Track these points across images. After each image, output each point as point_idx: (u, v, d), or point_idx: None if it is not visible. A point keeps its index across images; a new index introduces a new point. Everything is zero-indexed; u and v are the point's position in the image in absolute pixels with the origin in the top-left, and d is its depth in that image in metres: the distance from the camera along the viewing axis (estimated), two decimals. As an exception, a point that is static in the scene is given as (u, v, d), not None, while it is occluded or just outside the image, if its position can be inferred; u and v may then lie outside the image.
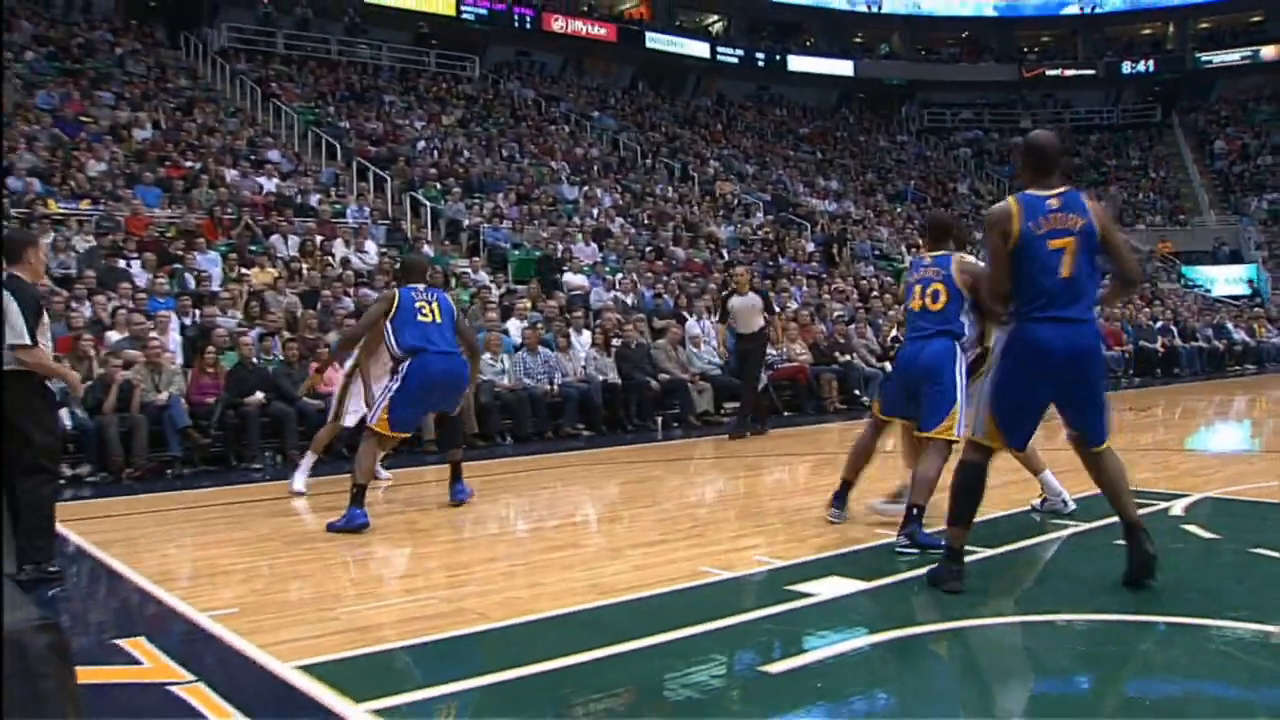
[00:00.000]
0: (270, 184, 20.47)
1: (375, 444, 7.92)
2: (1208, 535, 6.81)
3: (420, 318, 7.95)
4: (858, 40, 47.73)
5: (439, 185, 23.29)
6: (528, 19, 38.91)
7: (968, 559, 5.60)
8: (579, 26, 40.23)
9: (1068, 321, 5.16)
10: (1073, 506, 7.23)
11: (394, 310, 8.01)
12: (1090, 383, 5.35)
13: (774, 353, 16.47)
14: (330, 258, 17.35)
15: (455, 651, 4.59)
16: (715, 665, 4.46)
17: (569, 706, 4.00)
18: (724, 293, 14.87)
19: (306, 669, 4.23)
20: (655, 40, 42.09)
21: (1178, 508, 7.61)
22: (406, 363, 7.83)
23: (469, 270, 18.87)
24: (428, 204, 21.95)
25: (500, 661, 4.30)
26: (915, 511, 6.21)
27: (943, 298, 6.66)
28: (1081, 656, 4.54)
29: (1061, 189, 5.28)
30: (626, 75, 42.63)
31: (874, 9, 46.81)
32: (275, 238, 17.54)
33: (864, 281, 24.07)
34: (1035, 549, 6.37)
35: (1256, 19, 46.54)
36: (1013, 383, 5.34)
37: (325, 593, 5.67)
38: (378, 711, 3.77)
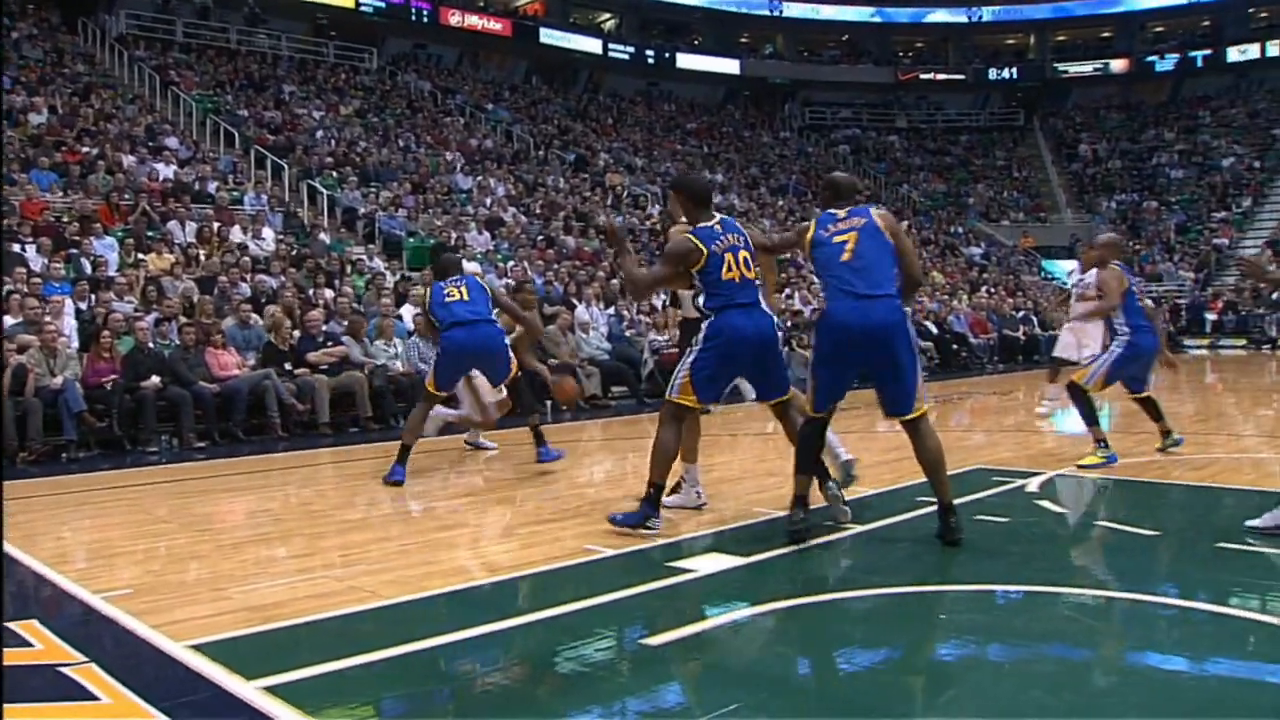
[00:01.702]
0: (168, 170, 19.96)
1: (425, 405, 9.10)
2: (1058, 509, 7.06)
3: (447, 299, 8.95)
4: (744, 40, 48.02)
5: (336, 174, 22.97)
6: (425, 13, 38.44)
7: (842, 534, 5.73)
8: (475, 21, 39.86)
9: (862, 297, 5.81)
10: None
11: (429, 302, 9.21)
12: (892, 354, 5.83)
13: (661, 339, 16.58)
14: (228, 244, 17.01)
15: (346, 629, 4.54)
16: (599, 639, 4.48)
17: (456, 680, 4.00)
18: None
19: (199, 648, 4.15)
20: (549, 36, 41.90)
21: (1033, 484, 7.88)
22: (441, 335, 8.95)
23: (364, 257, 18.66)
24: (325, 192, 21.63)
25: (390, 638, 4.27)
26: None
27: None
28: (943, 624, 4.66)
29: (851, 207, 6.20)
30: (521, 69, 42.43)
31: (775, 13, 47.16)
32: (173, 224, 17.12)
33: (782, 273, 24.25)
34: (904, 525, 6.49)
35: (1107, 34, 48.06)
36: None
37: (220, 573, 5.57)
38: (269, 688, 3.72)
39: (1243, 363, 25.29)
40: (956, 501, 5.94)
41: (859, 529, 6.32)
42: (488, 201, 24.95)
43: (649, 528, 6.12)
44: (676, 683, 4.04)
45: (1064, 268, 34.06)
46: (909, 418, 5.91)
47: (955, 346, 22.98)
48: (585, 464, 10.21)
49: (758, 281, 6.38)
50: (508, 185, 27.01)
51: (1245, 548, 5.74)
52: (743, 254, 6.32)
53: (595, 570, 5.54)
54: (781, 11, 47.04)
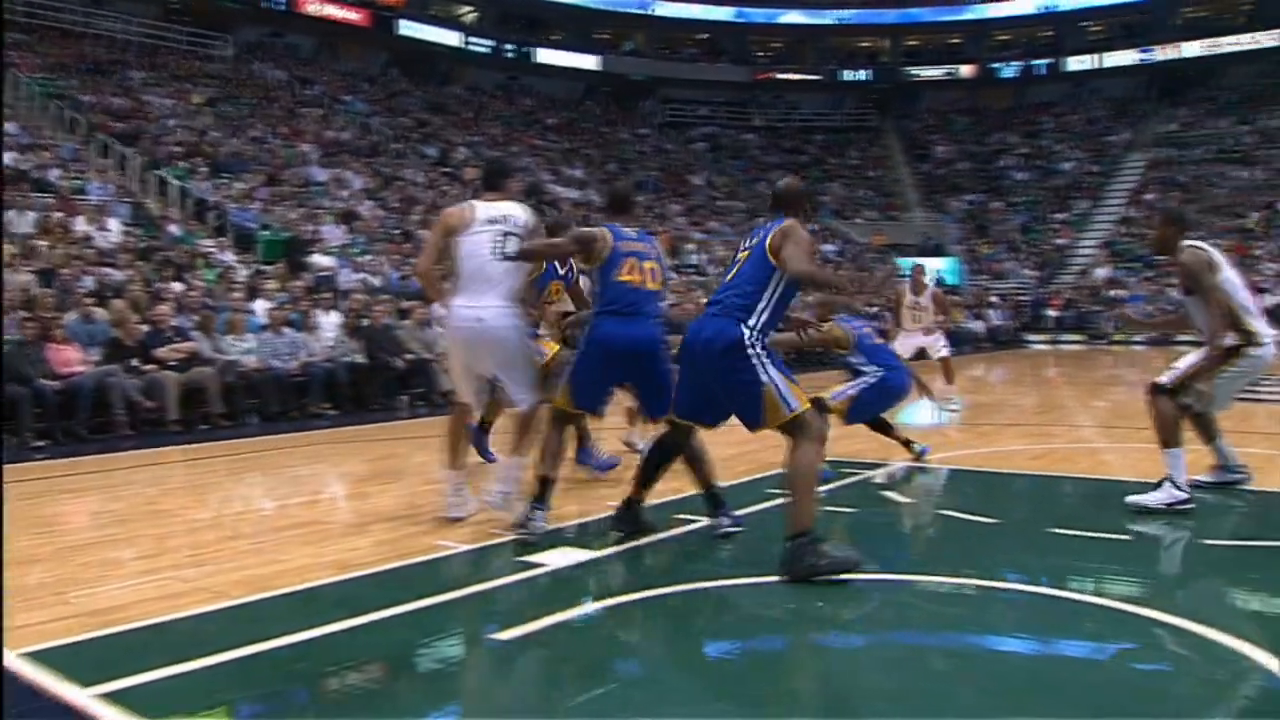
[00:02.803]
0: (6, 157, 19.18)
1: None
2: (904, 500, 7.25)
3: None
4: (604, 37, 48.12)
5: (186, 164, 22.34)
6: (280, 0, 37.67)
7: (690, 528, 5.82)
8: (333, 10, 39.20)
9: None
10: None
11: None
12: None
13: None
14: (71, 235, 16.40)
15: (191, 630, 4.42)
16: (449, 635, 4.48)
17: (305, 680, 3.94)
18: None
19: (34, 655, 4.00)
20: (408, 28, 41.45)
21: (880, 475, 8.08)
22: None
23: (215, 250, 18.20)
24: (174, 182, 21.03)
25: (238, 638, 4.18)
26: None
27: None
28: (789, 614, 4.75)
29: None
30: (379, 61, 41.84)
31: (647, 10, 47.36)
32: (11, 213, 16.45)
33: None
34: (753, 516, 6.59)
35: (956, 41, 49.47)
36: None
37: (60, 577, 5.38)
38: (106, 695, 3.61)
39: (1080, 357, 26.34)
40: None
41: (706, 521, 6.40)
42: (344, 194, 24.57)
43: (529, 529, 5.88)
44: (526, 677, 4.05)
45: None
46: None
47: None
48: (439, 461, 10.10)
49: (662, 298, 6.33)
50: (365, 178, 26.63)
51: (1078, 533, 6.00)
52: (650, 264, 6.17)
53: (446, 566, 5.52)
54: (653, 9, 47.30)
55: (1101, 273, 34.84)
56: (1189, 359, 6.79)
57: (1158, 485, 6.57)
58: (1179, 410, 6.74)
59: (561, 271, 7.89)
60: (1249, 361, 6.70)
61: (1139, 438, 10.53)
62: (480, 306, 6.32)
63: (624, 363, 6.06)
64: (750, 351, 5.43)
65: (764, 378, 5.37)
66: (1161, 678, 3.97)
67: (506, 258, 6.35)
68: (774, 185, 6.12)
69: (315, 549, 5.87)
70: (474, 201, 6.68)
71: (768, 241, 5.59)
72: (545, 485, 6.00)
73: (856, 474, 8.14)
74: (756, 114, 49.70)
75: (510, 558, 5.55)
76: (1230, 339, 6.63)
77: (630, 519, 6.07)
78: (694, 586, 5.00)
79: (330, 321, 14.74)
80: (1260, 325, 6.74)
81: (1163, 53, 45.71)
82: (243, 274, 16.89)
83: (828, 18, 49.34)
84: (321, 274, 17.90)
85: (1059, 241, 38.66)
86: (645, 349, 6.05)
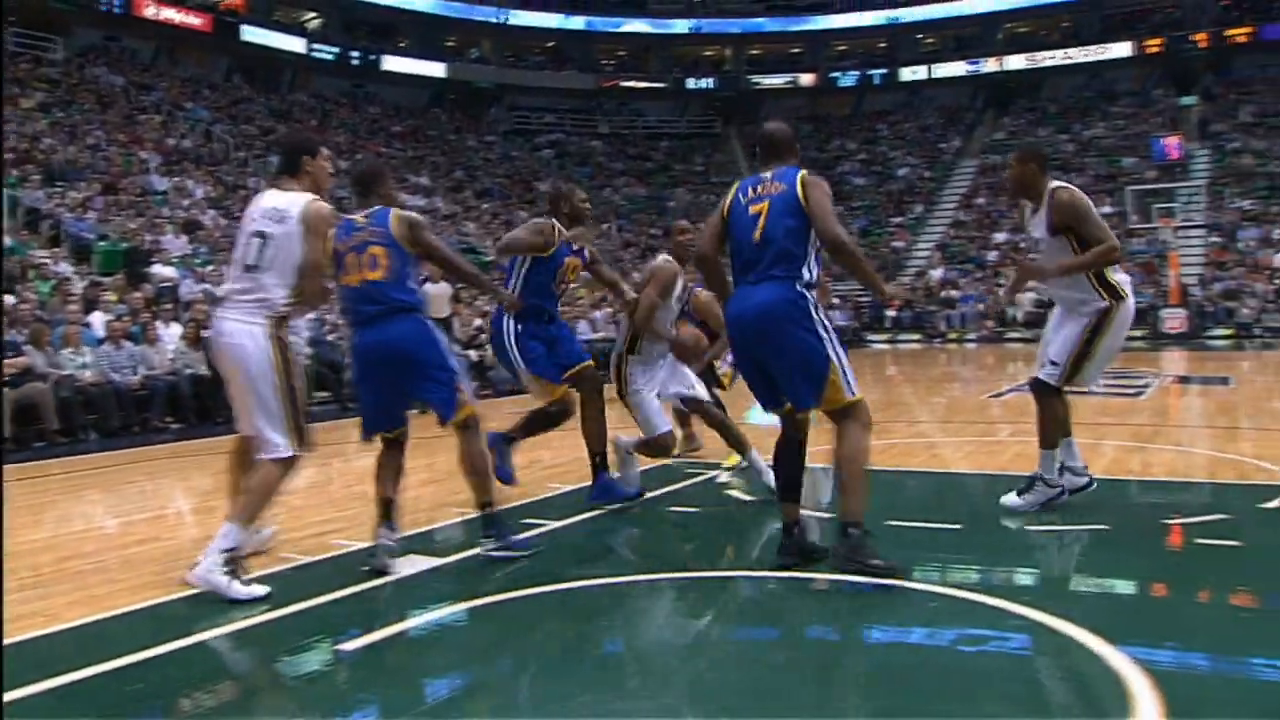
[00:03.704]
0: None
1: None
2: (746, 497, 7.43)
3: None
4: (450, 44, 47.79)
5: (17, 172, 21.50)
6: (117, 3, 36.41)
7: (538, 531, 5.90)
8: (172, 14, 38.05)
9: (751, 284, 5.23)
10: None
11: None
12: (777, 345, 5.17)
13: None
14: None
15: (21, 656, 4.29)
16: (294, 648, 4.44)
17: (145, 700, 3.88)
18: (420, 279, 15.13)
19: None
20: (251, 33, 40.50)
21: (724, 474, 8.24)
22: None
23: (49, 261, 17.58)
24: (5, 191, 20.22)
25: (70, 662, 4.09)
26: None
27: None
28: (637, 612, 4.85)
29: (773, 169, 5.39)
30: (221, 67, 40.81)
31: (502, 20, 47.14)
32: None
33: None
34: (598, 519, 6.69)
35: (796, 50, 50.64)
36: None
37: (-117, 603, 5.19)
38: (-63, 724, 3.52)
39: (918, 356, 27.17)
40: (654, 494, 6.16)
41: (555, 525, 6.48)
42: (185, 204, 23.95)
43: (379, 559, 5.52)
44: (370, 687, 4.05)
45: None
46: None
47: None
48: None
49: (405, 280, 5.54)
50: (207, 187, 26.01)
51: (914, 524, 6.23)
52: (373, 250, 5.50)
53: (291, 578, 5.47)
54: (498, 18, 47.16)
55: (936, 274, 35.95)
56: (1061, 348, 6.27)
57: (1028, 486, 6.41)
58: (1066, 407, 6.42)
59: (575, 248, 7.05)
60: (1119, 323, 6.25)
61: (971, 431, 10.98)
62: (223, 317, 5.28)
63: (380, 372, 5.56)
64: (816, 316, 5.10)
65: (831, 353, 5.08)
66: (991, 659, 4.15)
67: (248, 268, 5.22)
68: (765, 129, 5.62)
69: (157, 566, 5.77)
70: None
71: (799, 190, 5.18)
72: (387, 506, 5.64)
73: (702, 473, 8.31)
74: (602, 121, 50.01)
75: (356, 568, 5.50)
76: (1099, 301, 6.18)
77: (796, 547, 5.39)
78: (539, 590, 5.06)
79: (172, 334, 14.37)
80: (1121, 276, 6.37)
81: (990, 65, 47.49)
82: (79, 286, 16.36)
83: (673, 27, 49.95)
84: (163, 285, 17.45)
85: (896, 244, 39.78)
86: (392, 352, 5.50)
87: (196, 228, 22.04)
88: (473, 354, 18.41)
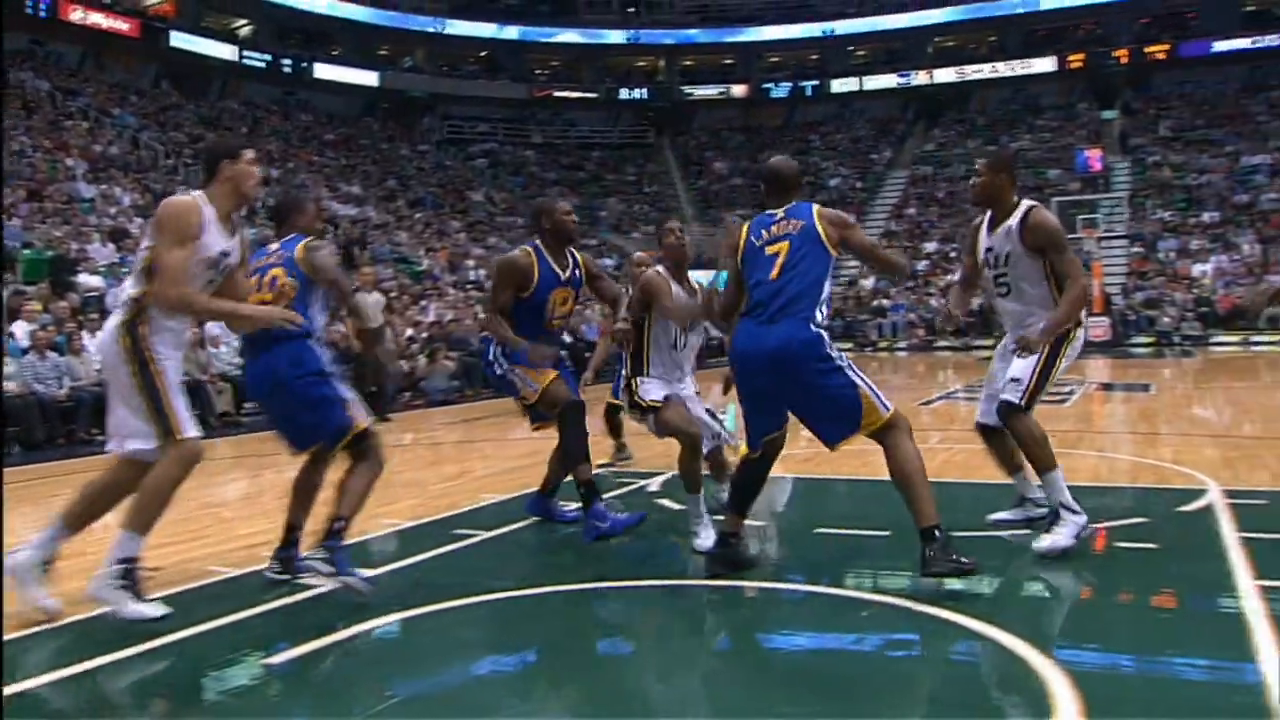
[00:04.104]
0: None
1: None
2: (678, 506, 7.43)
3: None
4: (383, 53, 47.50)
5: (-62, 178, 21.06)
6: (43, 6, 35.69)
7: (467, 542, 5.86)
8: (99, 19, 37.38)
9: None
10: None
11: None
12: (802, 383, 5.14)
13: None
14: None
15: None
16: (220, 662, 4.35)
17: (69, 717, 3.82)
18: (353, 289, 15.18)
19: None
20: (180, 39, 39.93)
21: (655, 484, 8.25)
22: None
23: (-28, 269, 17.21)
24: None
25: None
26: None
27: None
28: (562, 624, 4.84)
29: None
30: (150, 73, 40.21)
31: (438, 30, 46.95)
32: None
33: (384, 283, 24.08)
34: (532, 529, 6.67)
35: (729, 61, 50.97)
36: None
37: None
38: None
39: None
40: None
41: (485, 535, 6.46)
42: (112, 211, 23.57)
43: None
44: (298, 701, 4.00)
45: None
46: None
47: (588, 356, 23.59)
48: (218, 482, 9.85)
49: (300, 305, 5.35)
50: (134, 194, 25.61)
51: (843, 531, 6.28)
52: (272, 273, 5.46)
53: (218, 591, 5.39)
54: (431, 27, 46.98)
55: (867, 283, 36.28)
56: (1024, 366, 5.79)
57: (1051, 521, 5.71)
58: (1039, 426, 5.81)
59: (564, 277, 6.57)
60: (1075, 348, 5.92)
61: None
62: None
63: (264, 402, 5.60)
64: (833, 354, 5.09)
65: (856, 380, 5.09)
66: (915, 663, 4.22)
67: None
68: (771, 166, 5.59)
69: (80, 581, 5.65)
70: None
71: (819, 230, 5.20)
72: (288, 531, 5.51)
73: (632, 482, 8.32)
74: (535, 131, 49.99)
75: (282, 580, 5.43)
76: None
77: (731, 558, 5.41)
78: (468, 601, 5.03)
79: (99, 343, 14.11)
80: None
81: (920, 78, 48.13)
82: (4, 295, 16.01)
83: (606, 37, 50.06)
84: (89, 294, 17.13)
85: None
86: (266, 386, 5.45)
87: (124, 236, 21.66)
88: (404, 364, 18.32)
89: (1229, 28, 43.80)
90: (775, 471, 5.66)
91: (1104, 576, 5.43)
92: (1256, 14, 43.91)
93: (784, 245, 5.20)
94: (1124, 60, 45.04)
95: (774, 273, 5.15)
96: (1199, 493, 7.17)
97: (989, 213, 6.00)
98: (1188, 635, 4.40)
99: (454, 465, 9.86)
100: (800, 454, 8.83)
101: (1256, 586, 4.87)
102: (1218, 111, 42.49)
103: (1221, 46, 43.75)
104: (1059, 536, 5.55)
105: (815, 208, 5.32)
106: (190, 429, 4.83)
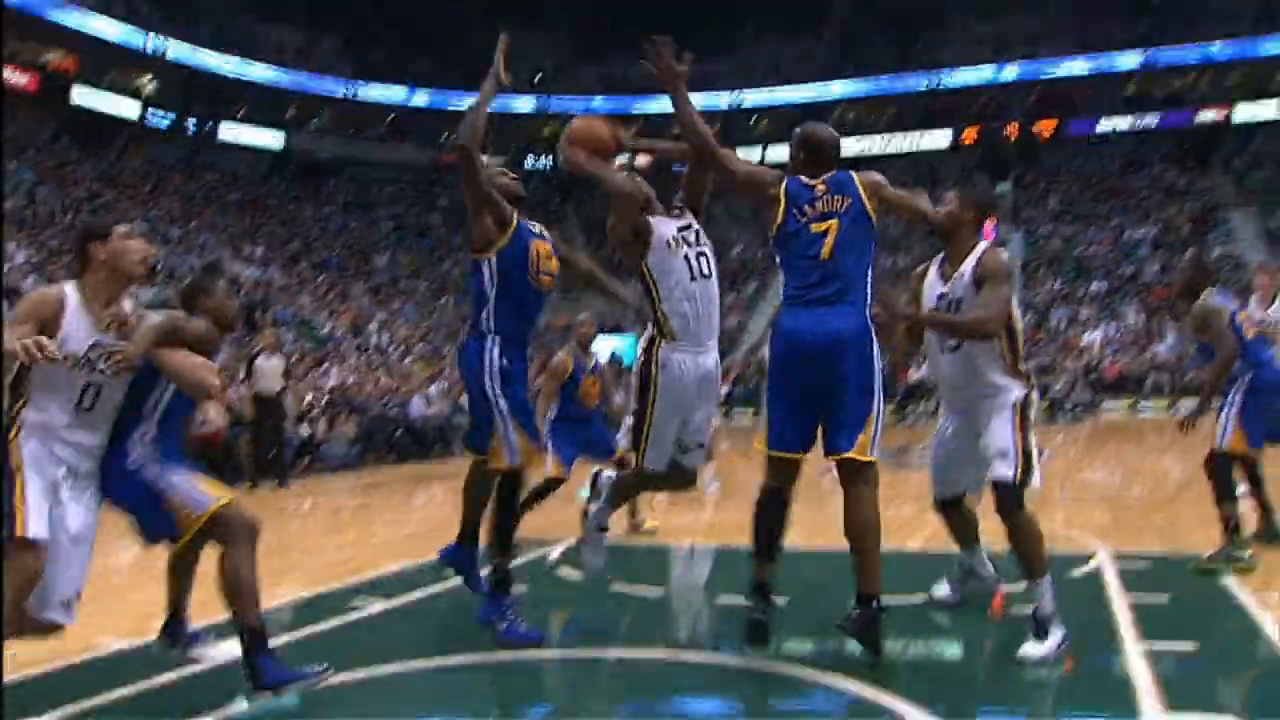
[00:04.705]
0: None
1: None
2: (576, 575, 7.35)
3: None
4: (290, 115, 47.20)
5: None
6: (-62, 59, 34.94)
7: (366, 612, 5.72)
8: (-3, 74, 36.60)
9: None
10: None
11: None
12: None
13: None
14: None
15: None
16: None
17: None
18: (254, 352, 15.01)
19: None
20: (82, 96, 39.27)
21: (554, 553, 8.16)
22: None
23: None
24: None
25: None
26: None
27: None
28: (461, 694, 4.74)
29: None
30: (50, 128, 39.39)
31: (350, 95, 46.83)
32: None
33: (286, 347, 23.74)
34: (426, 600, 6.56)
35: (635, 130, 51.39)
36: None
37: None
38: None
39: (749, 431, 27.48)
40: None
41: (385, 604, 6.33)
42: (5, 269, 22.95)
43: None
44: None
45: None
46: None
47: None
48: (115, 548, 9.50)
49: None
50: (30, 251, 25.00)
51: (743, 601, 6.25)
52: None
53: (107, 666, 5.20)
54: (357, 100, 46.90)
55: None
56: (1001, 437, 5.17)
57: (1038, 630, 5.04)
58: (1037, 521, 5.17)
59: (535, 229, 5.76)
60: (1033, 409, 5.33)
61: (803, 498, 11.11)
62: None
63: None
64: (875, 352, 4.79)
65: (879, 396, 4.81)
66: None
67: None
68: (813, 132, 5.23)
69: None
70: None
71: (867, 206, 4.89)
72: (171, 609, 5.16)
73: (533, 551, 8.22)
74: (442, 194, 49.89)
75: (167, 654, 5.23)
76: (1017, 390, 5.25)
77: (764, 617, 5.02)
78: (367, 674, 4.92)
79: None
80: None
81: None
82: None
83: (516, 105, 50.30)
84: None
85: (731, 320, 40.49)
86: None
87: (15, 294, 21.11)
88: (305, 428, 18.04)
89: (1112, 108, 45.57)
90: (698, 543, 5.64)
91: (998, 641, 5.48)
92: (1137, 96, 45.75)
93: (833, 224, 4.85)
94: (1014, 136, 46.50)
95: (824, 252, 4.82)
96: (1088, 557, 7.30)
97: (939, 257, 5.49)
98: (1075, 697, 4.46)
99: (353, 532, 9.68)
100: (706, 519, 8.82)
101: (1141, 648, 4.96)
102: (1103, 186, 43.98)
103: (1106, 126, 45.51)
104: (1048, 647, 4.95)
105: (857, 178, 4.98)
106: (35, 528, 4.27)
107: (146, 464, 4.63)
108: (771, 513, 5.03)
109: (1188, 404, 9.62)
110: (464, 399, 22.06)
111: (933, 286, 5.42)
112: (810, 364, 4.78)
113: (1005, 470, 5.09)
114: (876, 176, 5.06)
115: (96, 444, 4.52)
